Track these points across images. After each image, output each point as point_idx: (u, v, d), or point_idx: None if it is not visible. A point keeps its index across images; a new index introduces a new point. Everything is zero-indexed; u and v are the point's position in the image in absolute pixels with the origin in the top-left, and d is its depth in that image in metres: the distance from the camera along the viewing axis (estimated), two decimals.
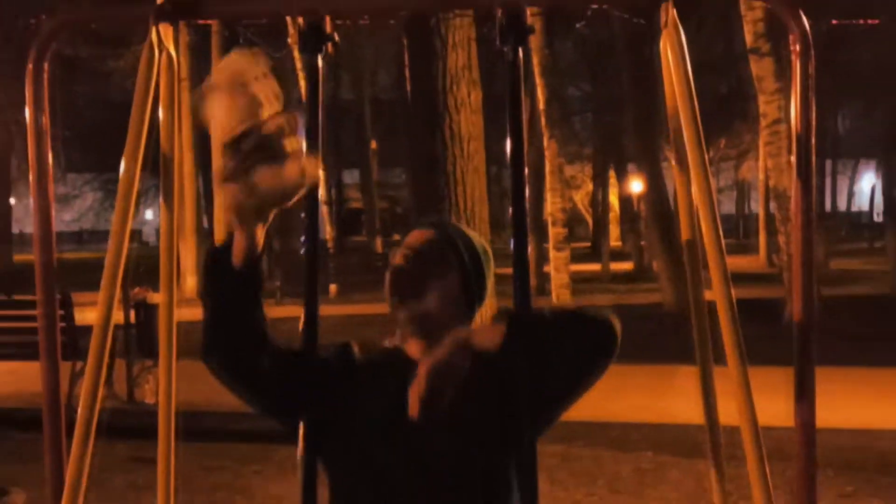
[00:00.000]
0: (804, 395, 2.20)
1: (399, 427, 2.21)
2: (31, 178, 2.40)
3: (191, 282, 22.94)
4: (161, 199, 2.58)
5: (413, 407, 2.10)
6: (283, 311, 8.04)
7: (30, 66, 2.35)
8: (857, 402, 8.96)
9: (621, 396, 7.86)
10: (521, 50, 2.48)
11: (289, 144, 2.05)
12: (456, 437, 2.25)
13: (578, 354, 2.23)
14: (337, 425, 2.31)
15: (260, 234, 2.13)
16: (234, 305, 2.19)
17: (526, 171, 2.51)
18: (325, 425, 2.31)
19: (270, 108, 2.10)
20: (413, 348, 2.33)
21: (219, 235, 2.29)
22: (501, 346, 2.23)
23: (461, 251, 2.40)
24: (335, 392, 2.30)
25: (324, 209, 25.19)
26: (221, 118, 2.07)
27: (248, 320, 2.21)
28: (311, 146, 2.48)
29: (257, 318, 2.21)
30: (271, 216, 2.14)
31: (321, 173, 2.15)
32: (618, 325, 2.24)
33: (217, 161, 2.12)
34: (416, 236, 2.40)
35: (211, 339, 2.21)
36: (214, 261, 2.17)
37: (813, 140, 2.24)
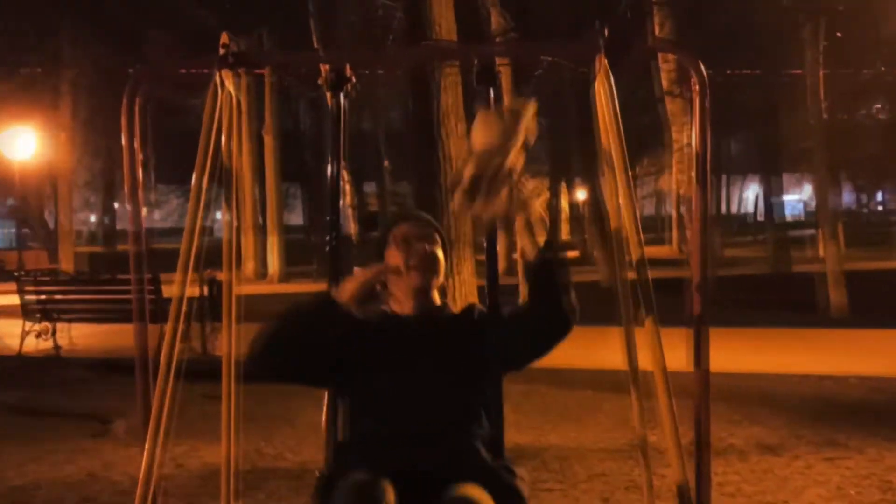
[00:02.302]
0: (700, 347, 2.21)
1: (400, 366, 2.26)
2: (125, 187, 2.39)
3: (250, 266, 22.88)
4: (224, 203, 2.57)
5: (458, 200, 2.08)
6: (318, 287, 7.99)
7: (124, 101, 2.34)
8: (742, 353, 8.99)
9: (570, 349, 7.86)
10: (492, 89, 2.48)
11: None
12: (442, 376, 2.28)
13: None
14: (354, 371, 2.31)
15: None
16: (321, 335, 2.22)
17: None
18: (346, 375, 2.32)
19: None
20: (404, 305, 2.36)
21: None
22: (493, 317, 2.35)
23: (444, 238, 2.45)
24: (352, 350, 2.30)
25: (349, 211, 25.15)
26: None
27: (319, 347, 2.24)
28: (335, 162, 2.49)
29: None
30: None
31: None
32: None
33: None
34: (419, 231, 2.39)
35: (277, 348, 2.25)
36: (328, 301, 2.22)
37: (709, 158, 2.23)
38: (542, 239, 2.13)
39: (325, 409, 2.44)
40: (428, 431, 2.20)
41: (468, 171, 1.98)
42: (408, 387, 2.24)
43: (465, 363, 2.29)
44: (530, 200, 2.09)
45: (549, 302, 2.16)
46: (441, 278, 2.37)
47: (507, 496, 2.17)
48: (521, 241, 2.13)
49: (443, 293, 2.41)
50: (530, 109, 2.09)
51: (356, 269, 2.28)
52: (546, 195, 2.10)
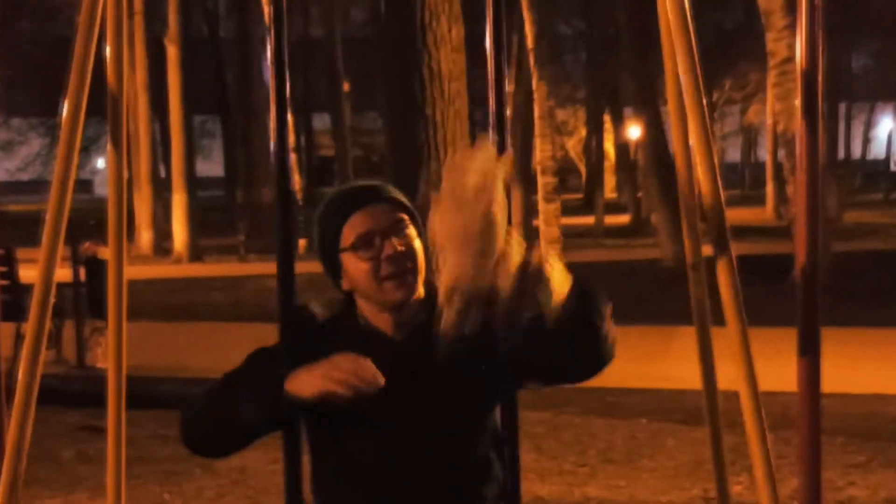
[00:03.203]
0: (808, 358, 2.21)
1: (387, 408, 2.25)
2: None
3: (146, 237, 22.83)
4: (109, 145, 2.56)
5: (445, 331, 2.05)
6: (248, 269, 7.95)
7: None
8: (869, 366, 9.02)
9: (616, 360, 7.85)
10: None
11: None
12: (442, 418, 2.30)
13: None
14: (322, 422, 2.33)
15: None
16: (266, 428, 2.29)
17: (508, 111, 2.51)
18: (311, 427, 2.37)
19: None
20: (378, 319, 2.34)
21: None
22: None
23: (416, 215, 2.39)
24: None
25: (292, 157, 25.12)
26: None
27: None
28: (281, 86, 2.48)
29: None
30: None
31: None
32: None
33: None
34: (384, 219, 2.32)
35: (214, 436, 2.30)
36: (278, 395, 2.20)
37: (820, 79, 2.23)
38: (559, 291, 2.13)
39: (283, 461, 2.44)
40: (425, 491, 2.25)
41: (448, 315, 2.03)
42: (397, 435, 2.27)
43: (470, 392, 2.31)
44: (528, 276, 2.04)
45: (585, 331, 2.20)
46: (424, 272, 2.37)
47: None
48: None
49: (428, 284, 2.41)
50: (502, 169, 2.01)
51: (340, 358, 2.26)
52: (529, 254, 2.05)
